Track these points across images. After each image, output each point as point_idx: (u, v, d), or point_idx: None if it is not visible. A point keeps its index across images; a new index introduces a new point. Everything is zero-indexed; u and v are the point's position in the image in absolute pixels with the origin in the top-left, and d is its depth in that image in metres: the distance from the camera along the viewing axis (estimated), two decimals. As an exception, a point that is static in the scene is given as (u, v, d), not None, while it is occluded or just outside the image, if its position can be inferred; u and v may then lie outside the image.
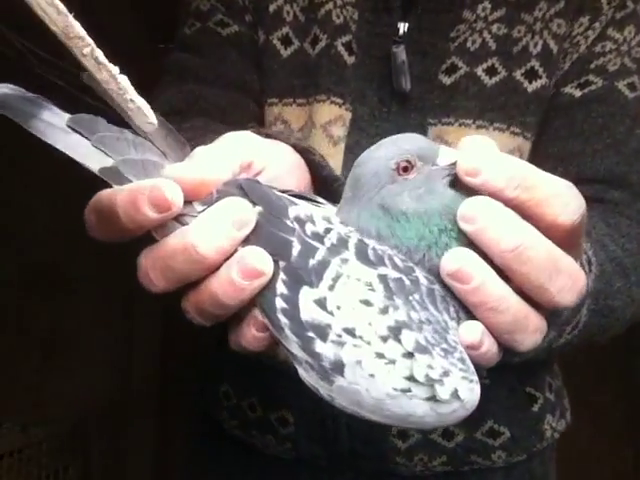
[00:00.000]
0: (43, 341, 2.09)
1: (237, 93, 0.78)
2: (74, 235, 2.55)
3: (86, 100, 0.45)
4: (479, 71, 0.71)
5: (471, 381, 0.38)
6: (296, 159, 0.51)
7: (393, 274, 0.40)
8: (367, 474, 0.75)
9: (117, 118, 0.43)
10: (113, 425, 2.03)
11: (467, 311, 0.41)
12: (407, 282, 0.40)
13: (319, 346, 0.39)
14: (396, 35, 0.71)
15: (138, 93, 0.41)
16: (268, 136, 0.50)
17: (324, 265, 0.40)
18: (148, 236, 0.43)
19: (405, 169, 0.42)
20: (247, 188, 0.43)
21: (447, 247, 0.41)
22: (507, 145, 0.71)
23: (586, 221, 0.42)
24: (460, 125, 0.71)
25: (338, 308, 0.39)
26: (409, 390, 0.38)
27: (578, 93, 0.72)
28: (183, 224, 0.42)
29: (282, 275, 0.41)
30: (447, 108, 0.72)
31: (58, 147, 0.43)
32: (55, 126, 0.42)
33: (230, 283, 0.40)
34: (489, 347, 0.40)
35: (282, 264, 0.41)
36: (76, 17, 0.37)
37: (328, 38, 0.74)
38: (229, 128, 0.53)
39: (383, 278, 0.40)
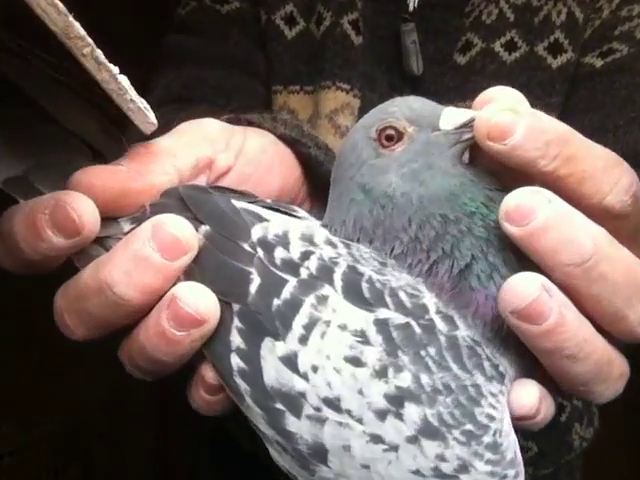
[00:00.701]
0: (43, 341, 2.08)
1: (242, 75, 0.71)
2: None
3: (83, 98, 0.44)
4: (497, 46, 0.65)
5: (504, 477, 0.26)
6: (279, 152, 0.41)
7: (397, 318, 0.28)
8: None
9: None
10: (113, 425, 2.03)
11: (516, 358, 0.30)
12: (417, 329, 0.28)
13: (292, 423, 0.28)
14: (405, 12, 0.64)
15: (138, 93, 0.41)
16: (250, 124, 0.41)
17: (293, 307, 0.28)
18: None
19: (389, 138, 0.32)
20: (190, 200, 0.32)
21: (468, 237, 0.30)
22: None
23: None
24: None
25: (314, 370, 0.27)
26: None
27: (599, 63, 0.66)
28: (107, 249, 0.32)
29: (236, 322, 0.29)
30: (463, 90, 0.65)
31: None
32: None
33: (160, 334, 0.30)
34: (545, 414, 0.31)
35: (236, 306, 0.30)
36: (76, 17, 0.37)
37: (333, 16, 0.66)
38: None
39: (382, 325, 0.27)
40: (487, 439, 0.26)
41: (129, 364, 0.34)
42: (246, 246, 0.30)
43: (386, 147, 0.32)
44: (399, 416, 0.25)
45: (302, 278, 0.29)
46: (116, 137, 0.36)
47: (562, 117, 0.66)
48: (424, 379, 0.25)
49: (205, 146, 0.36)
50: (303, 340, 0.27)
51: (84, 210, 0.30)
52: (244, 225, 0.31)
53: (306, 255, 0.30)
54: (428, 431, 0.25)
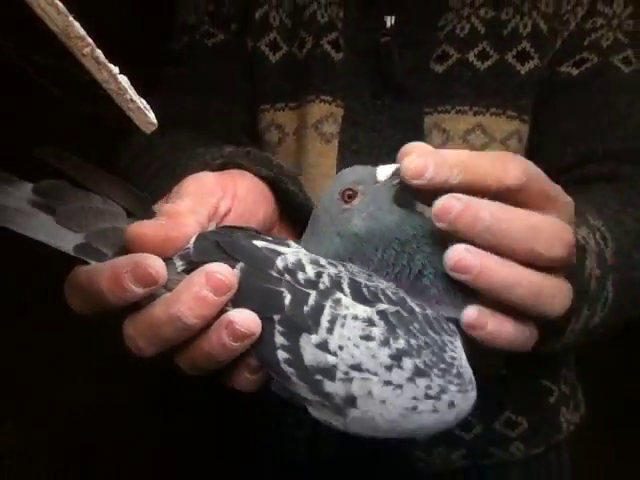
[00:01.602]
0: (43, 341, 2.09)
1: (224, 102, 0.78)
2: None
3: (82, 105, 0.45)
4: (471, 57, 0.71)
5: (466, 391, 0.41)
6: (261, 190, 0.53)
7: (390, 308, 0.42)
8: (387, 474, 0.75)
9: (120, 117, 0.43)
10: (113, 425, 2.03)
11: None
12: (404, 313, 0.42)
13: (329, 386, 0.41)
14: (383, 28, 0.71)
15: (138, 93, 0.41)
16: (239, 166, 0.53)
17: (318, 310, 0.42)
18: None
19: (350, 197, 0.46)
20: (226, 246, 0.44)
21: (417, 252, 0.44)
22: (505, 129, 0.70)
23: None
24: (457, 112, 0.71)
25: (340, 348, 0.41)
26: (416, 407, 0.41)
27: (575, 71, 0.71)
28: (167, 287, 0.43)
29: (278, 327, 0.42)
30: (442, 96, 0.71)
31: (27, 234, 0.45)
32: (19, 210, 0.44)
33: (222, 345, 0.42)
34: (498, 326, 0.42)
35: (276, 317, 0.42)
36: (76, 17, 0.37)
37: (314, 38, 0.73)
38: (210, 141, 0.60)
39: (382, 313, 0.42)
40: (454, 371, 0.41)
41: (188, 367, 0.45)
42: (274, 273, 0.43)
43: (347, 203, 0.46)
44: (400, 367, 0.41)
45: (320, 289, 0.43)
46: (140, 196, 0.46)
47: (550, 124, 0.73)
48: (412, 342, 0.41)
49: (210, 198, 0.48)
50: (329, 330, 0.41)
51: (159, 266, 0.41)
52: (269, 258, 0.44)
53: (319, 274, 0.43)
54: (419, 372, 0.41)
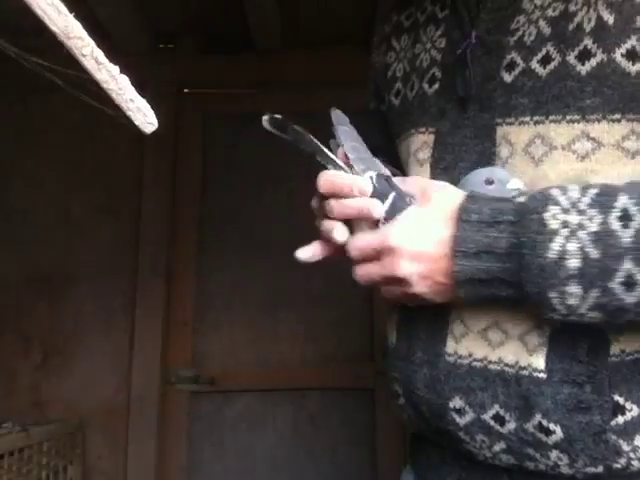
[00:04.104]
0: (43, 341, 2.09)
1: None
2: (74, 235, 2.54)
3: (85, 100, 0.45)
4: (534, 64, 0.69)
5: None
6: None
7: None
8: (440, 452, 0.75)
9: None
10: (113, 425, 2.03)
11: None
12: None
13: None
14: (470, 46, 0.74)
15: (138, 93, 0.41)
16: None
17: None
18: None
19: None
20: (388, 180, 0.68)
21: None
22: (567, 135, 0.67)
23: None
24: (520, 124, 0.70)
25: None
26: None
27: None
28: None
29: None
30: (508, 107, 0.70)
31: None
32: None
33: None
34: None
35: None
36: (76, 17, 0.37)
37: (419, 80, 0.82)
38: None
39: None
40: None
41: None
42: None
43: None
44: None
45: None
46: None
47: None
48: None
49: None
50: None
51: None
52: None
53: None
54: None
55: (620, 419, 0.63)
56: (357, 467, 2.08)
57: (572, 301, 0.58)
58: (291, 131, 0.67)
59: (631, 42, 0.65)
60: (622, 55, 0.65)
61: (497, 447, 0.67)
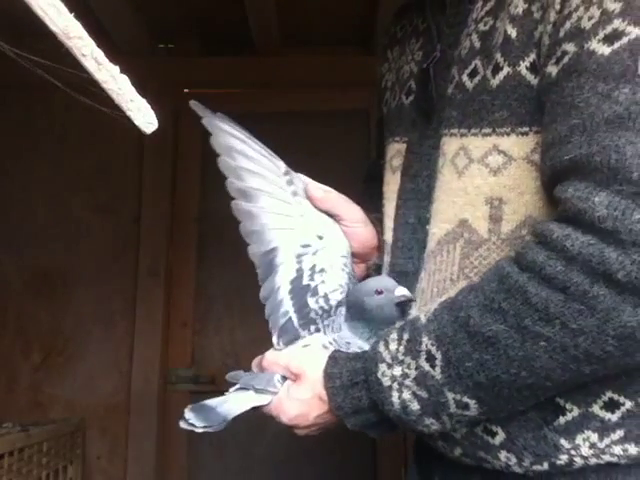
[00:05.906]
0: (43, 341, 2.09)
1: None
2: (74, 235, 2.54)
3: (84, 100, 0.45)
4: (464, 77, 0.72)
5: None
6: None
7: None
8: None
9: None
10: (113, 425, 2.03)
11: None
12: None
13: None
14: (435, 59, 0.78)
15: (138, 93, 0.41)
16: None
17: None
18: None
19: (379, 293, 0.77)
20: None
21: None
22: (482, 148, 0.68)
23: None
24: (451, 136, 0.72)
25: None
26: None
27: (555, 70, 0.63)
28: None
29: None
30: (446, 119, 0.73)
31: None
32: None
33: None
34: None
35: None
36: (76, 17, 0.37)
37: (399, 91, 0.86)
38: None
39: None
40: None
41: None
42: None
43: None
44: None
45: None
46: None
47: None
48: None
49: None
50: None
51: None
52: None
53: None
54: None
55: (561, 419, 0.66)
56: (357, 467, 2.07)
57: (435, 427, 0.67)
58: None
59: (533, 56, 0.67)
60: (527, 68, 0.67)
61: (457, 452, 0.72)
